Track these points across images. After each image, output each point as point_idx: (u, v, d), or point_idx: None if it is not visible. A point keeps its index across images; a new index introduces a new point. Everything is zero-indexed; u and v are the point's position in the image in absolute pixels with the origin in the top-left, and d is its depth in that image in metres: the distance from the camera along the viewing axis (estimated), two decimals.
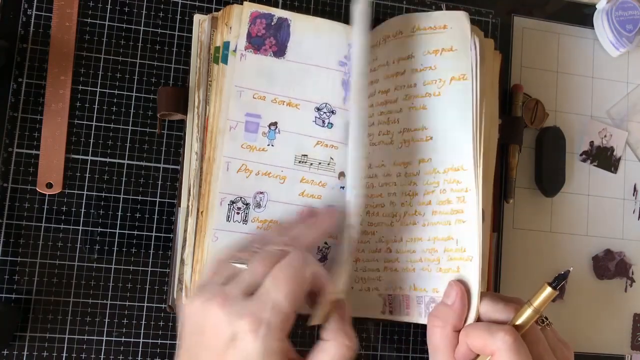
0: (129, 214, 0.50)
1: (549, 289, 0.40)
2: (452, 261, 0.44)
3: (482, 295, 0.43)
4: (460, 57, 0.44)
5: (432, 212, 0.45)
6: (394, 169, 0.47)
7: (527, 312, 0.40)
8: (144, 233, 0.50)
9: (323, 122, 0.48)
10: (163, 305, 0.50)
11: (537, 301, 0.40)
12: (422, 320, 0.46)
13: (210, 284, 0.39)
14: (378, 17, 0.56)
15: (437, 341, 0.42)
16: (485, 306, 0.42)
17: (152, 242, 0.50)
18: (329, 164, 0.49)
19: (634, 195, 0.61)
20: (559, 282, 0.40)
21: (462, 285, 0.42)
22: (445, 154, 0.45)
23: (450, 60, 0.45)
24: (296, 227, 0.42)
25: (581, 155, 0.60)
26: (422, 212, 0.46)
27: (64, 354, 0.48)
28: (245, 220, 0.46)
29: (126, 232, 0.50)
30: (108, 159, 0.50)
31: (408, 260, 0.46)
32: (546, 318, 0.42)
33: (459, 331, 0.42)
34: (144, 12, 0.52)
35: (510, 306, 0.42)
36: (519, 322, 0.40)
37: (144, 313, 0.50)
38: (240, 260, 0.39)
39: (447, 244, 0.44)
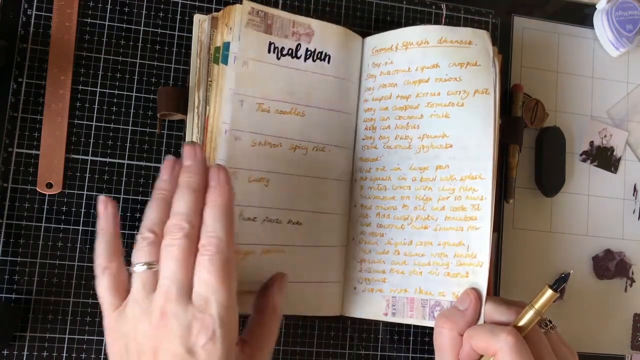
0: (129, 214, 0.50)
1: (549, 291, 0.41)
2: (462, 266, 0.45)
3: (486, 299, 0.44)
4: (484, 72, 0.47)
5: (445, 217, 0.47)
6: (410, 173, 0.48)
7: (529, 314, 0.41)
8: None
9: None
10: None
11: (539, 303, 0.41)
12: (426, 322, 0.47)
13: (131, 300, 0.37)
14: (378, 17, 0.56)
15: (444, 342, 0.43)
16: (489, 308, 0.43)
17: None
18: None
19: (634, 195, 0.61)
20: (560, 284, 0.41)
21: (477, 293, 0.44)
22: (464, 162, 0.46)
23: (474, 74, 0.47)
24: (175, 197, 0.38)
25: (581, 155, 0.60)
26: (435, 217, 0.47)
27: (64, 354, 0.48)
28: None
29: (126, 232, 0.50)
30: (108, 159, 0.50)
31: (416, 263, 0.47)
32: (550, 321, 0.43)
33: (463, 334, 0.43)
34: (144, 12, 0.52)
35: (513, 308, 0.42)
36: (521, 323, 0.41)
37: None
38: (143, 263, 0.37)
39: (458, 249, 0.46)
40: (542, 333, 0.42)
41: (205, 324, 0.35)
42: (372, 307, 0.49)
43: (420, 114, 0.48)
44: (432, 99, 0.48)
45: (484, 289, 0.44)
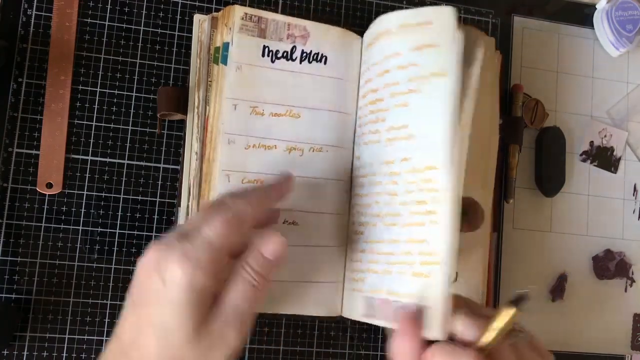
0: (129, 214, 0.50)
1: (509, 310, 0.36)
2: (424, 265, 0.41)
3: (456, 311, 0.39)
4: (442, 53, 0.42)
5: (410, 212, 0.42)
6: (380, 168, 0.45)
7: (492, 334, 0.37)
8: (144, 233, 0.50)
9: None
10: None
11: (499, 323, 0.36)
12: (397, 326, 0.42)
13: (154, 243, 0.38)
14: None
15: (403, 354, 0.39)
16: (458, 324, 0.39)
17: None
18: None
19: (634, 195, 0.61)
20: (518, 302, 0.36)
21: (409, 314, 0.39)
22: (424, 152, 0.42)
23: (432, 57, 0.42)
24: (248, 191, 0.41)
25: (581, 155, 0.60)
26: (401, 212, 0.43)
27: (64, 354, 0.48)
28: None
29: (126, 232, 0.50)
30: (108, 159, 0.50)
31: (387, 262, 0.44)
32: (520, 330, 0.39)
33: (427, 343, 0.39)
34: (144, 12, 0.52)
35: (482, 323, 0.38)
36: (483, 343, 0.37)
37: None
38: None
39: (422, 246, 0.41)
40: (510, 348, 0.38)
41: (183, 251, 0.35)
42: (355, 307, 0.46)
43: (386, 107, 0.45)
44: (394, 88, 0.44)
45: (442, 290, 0.39)
